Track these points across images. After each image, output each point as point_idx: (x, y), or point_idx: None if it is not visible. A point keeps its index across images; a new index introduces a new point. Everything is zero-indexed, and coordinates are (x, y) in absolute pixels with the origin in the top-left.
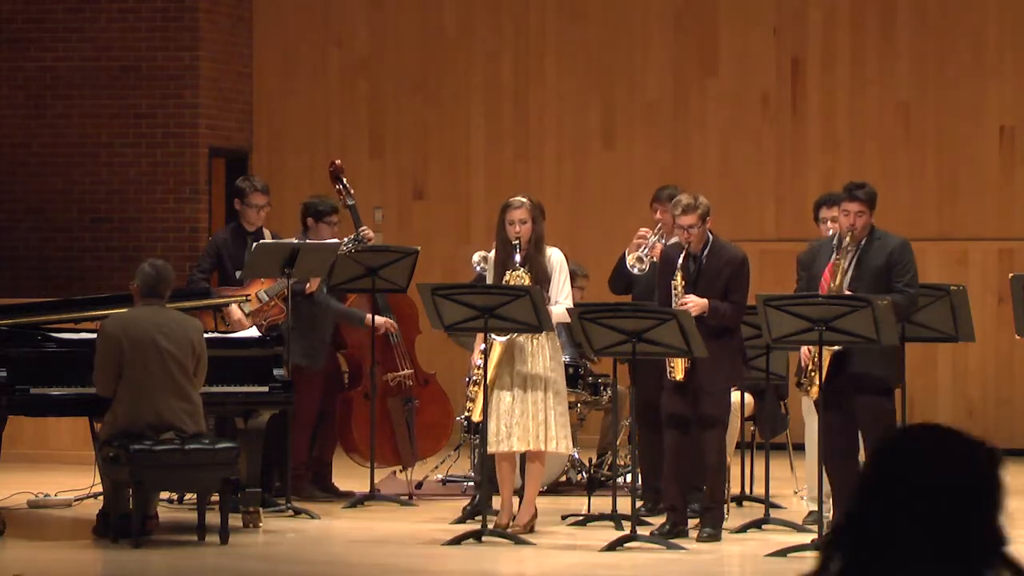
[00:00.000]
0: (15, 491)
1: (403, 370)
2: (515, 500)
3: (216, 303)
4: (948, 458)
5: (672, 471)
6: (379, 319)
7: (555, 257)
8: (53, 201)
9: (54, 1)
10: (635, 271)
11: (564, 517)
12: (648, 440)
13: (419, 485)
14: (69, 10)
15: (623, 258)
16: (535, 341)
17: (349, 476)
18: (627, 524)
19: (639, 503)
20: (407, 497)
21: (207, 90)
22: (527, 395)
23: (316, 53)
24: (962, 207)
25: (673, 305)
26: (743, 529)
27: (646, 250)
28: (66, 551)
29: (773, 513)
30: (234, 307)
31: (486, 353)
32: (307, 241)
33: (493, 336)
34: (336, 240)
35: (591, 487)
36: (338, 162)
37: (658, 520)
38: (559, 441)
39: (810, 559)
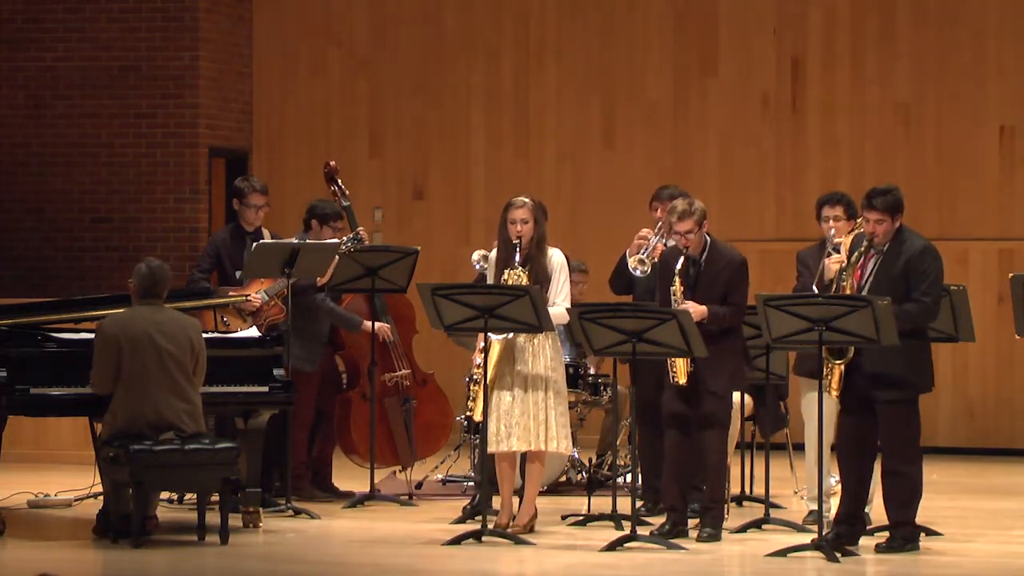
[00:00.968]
0: (15, 491)
1: (400, 370)
2: (515, 500)
3: (216, 303)
4: None
5: (672, 471)
6: (377, 325)
7: (556, 258)
8: (53, 201)
9: (54, 1)
10: (637, 273)
11: (564, 517)
12: (648, 440)
13: (419, 485)
14: (69, 10)
15: (624, 257)
16: (536, 341)
17: (349, 476)
18: (627, 524)
19: (639, 503)
20: (407, 497)
21: (207, 90)
22: (527, 395)
23: (316, 53)
24: (962, 207)
25: None
26: (743, 529)
27: (647, 251)
28: (66, 551)
29: (773, 513)
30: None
31: (485, 352)
32: (307, 241)
33: (491, 335)
34: (336, 240)
35: (591, 487)
36: (333, 163)
37: (658, 520)
38: (559, 441)
39: (810, 559)
